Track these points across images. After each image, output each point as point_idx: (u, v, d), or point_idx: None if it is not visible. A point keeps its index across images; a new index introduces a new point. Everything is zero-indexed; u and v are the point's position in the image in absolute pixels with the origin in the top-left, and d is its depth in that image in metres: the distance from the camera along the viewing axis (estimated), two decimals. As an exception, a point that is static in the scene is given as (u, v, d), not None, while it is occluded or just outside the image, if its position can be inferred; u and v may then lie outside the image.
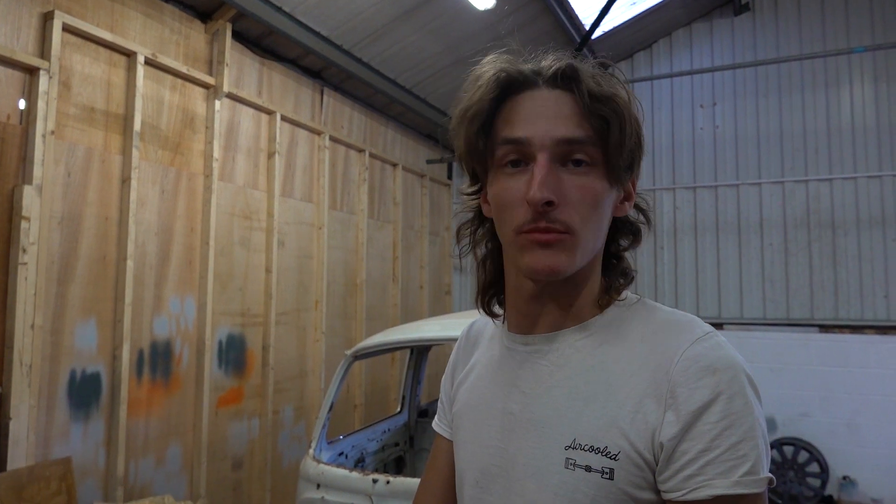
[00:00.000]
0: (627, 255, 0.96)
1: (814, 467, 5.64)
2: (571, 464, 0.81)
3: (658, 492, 0.78)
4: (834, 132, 6.05)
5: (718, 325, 6.20)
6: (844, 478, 5.62)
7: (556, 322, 0.90)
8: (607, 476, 0.79)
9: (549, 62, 0.86)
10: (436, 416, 1.16)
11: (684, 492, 0.75)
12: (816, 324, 5.89)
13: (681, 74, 6.35)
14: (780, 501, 5.66)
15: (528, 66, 0.87)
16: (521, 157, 0.84)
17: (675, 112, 6.70)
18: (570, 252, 0.83)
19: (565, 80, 0.84)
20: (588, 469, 0.80)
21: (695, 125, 6.60)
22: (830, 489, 5.63)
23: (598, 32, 5.99)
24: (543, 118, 0.83)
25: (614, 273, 0.93)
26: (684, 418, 0.75)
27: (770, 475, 0.76)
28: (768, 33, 6.37)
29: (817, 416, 5.82)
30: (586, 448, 0.81)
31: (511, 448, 0.89)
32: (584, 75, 0.83)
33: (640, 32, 6.57)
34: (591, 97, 0.81)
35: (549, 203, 0.80)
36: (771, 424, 5.94)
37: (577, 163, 0.83)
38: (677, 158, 6.63)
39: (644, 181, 6.61)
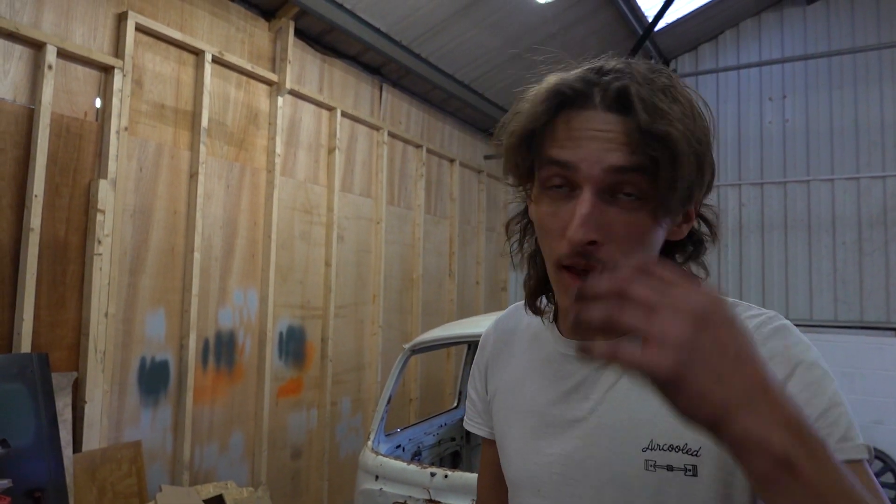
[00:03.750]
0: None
1: (888, 478, 5.36)
2: (652, 465, 0.79)
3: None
4: (915, 125, 5.74)
5: (786, 327, 5.97)
6: (922, 490, 5.33)
7: None
8: (691, 473, 0.76)
9: (608, 78, 0.76)
10: (466, 416, 1.12)
11: None
12: (893, 327, 5.60)
13: (749, 66, 6.13)
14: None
15: (581, 77, 0.77)
16: (566, 182, 0.77)
17: (741, 105, 6.47)
18: None
19: (620, 102, 0.74)
20: (670, 468, 0.77)
21: (763, 119, 6.36)
22: (906, 501, 5.35)
23: (660, 24, 5.85)
24: (595, 141, 0.74)
25: None
26: None
27: (868, 445, 0.70)
28: (843, 22, 6.08)
29: (892, 424, 5.52)
30: (665, 447, 0.78)
31: (578, 455, 0.85)
32: (637, 100, 0.73)
33: (705, 23, 6.36)
34: (641, 132, 0.72)
35: (592, 242, 0.74)
36: (841, 431, 5.68)
37: (628, 195, 0.75)
38: (743, 153, 6.40)
39: (708, 177, 6.47)
